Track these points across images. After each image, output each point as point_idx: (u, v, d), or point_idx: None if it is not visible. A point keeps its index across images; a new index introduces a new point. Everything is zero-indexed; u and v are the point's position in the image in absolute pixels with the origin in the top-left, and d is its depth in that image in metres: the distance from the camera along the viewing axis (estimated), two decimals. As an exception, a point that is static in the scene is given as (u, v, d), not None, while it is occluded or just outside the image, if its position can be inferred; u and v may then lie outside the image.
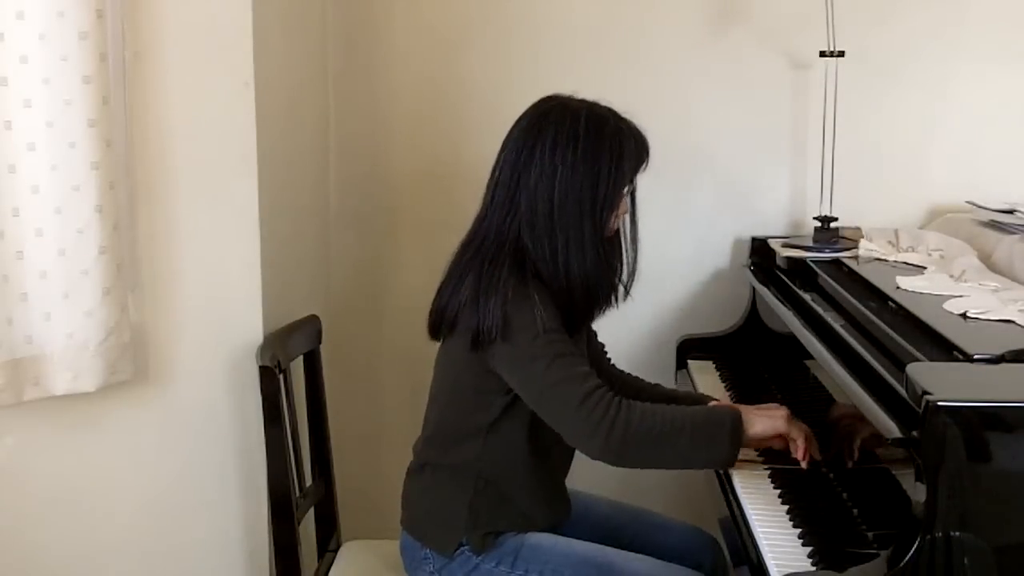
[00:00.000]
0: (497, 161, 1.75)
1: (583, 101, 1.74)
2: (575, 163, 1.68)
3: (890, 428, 1.37)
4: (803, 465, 1.68)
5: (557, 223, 1.68)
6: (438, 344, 1.83)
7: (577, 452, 1.74)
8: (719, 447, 1.64)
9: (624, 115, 1.74)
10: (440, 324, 1.75)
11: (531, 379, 1.64)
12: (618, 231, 1.77)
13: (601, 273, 1.73)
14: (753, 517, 1.60)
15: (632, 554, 1.78)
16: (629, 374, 2.01)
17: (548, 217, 1.68)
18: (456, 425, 1.78)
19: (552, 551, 1.75)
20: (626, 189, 1.74)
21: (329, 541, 2.17)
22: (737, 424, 1.65)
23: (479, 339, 1.65)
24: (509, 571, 1.74)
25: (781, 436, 1.69)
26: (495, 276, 1.66)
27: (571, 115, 1.71)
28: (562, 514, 1.84)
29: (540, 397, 1.65)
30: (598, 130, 1.70)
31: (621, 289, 1.80)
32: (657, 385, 2.00)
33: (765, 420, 1.68)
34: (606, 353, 2.00)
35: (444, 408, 1.81)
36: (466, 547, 1.75)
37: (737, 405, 1.77)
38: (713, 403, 1.84)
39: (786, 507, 1.62)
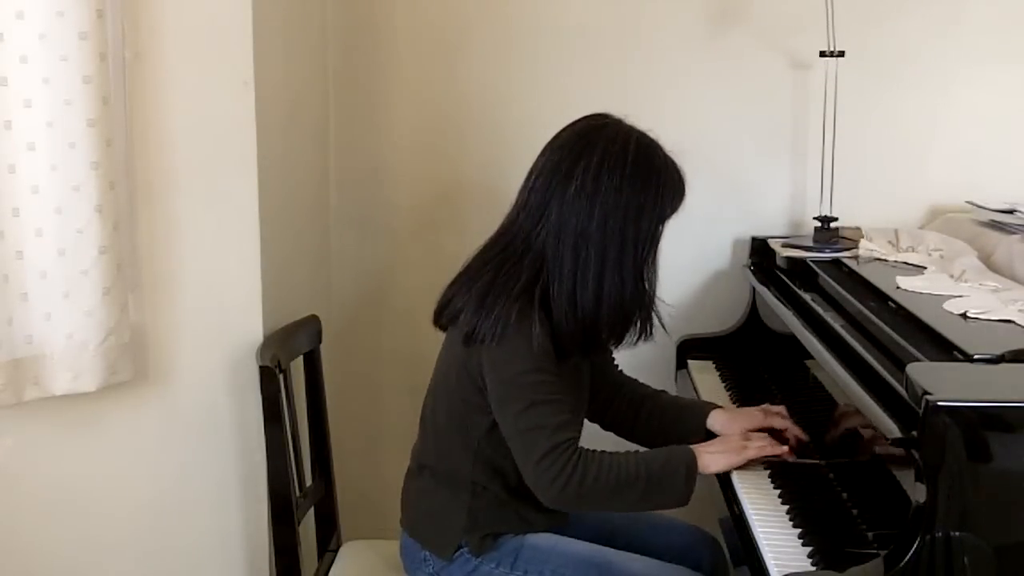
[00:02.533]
0: (535, 165, 1.71)
1: (633, 127, 1.70)
2: (620, 187, 1.63)
3: (890, 428, 1.37)
4: (788, 458, 1.72)
5: (592, 243, 1.64)
6: (438, 344, 1.82)
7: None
8: (671, 495, 1.66)
9: (669, 151, 1.70)
10: (443, 312, 1.75)
11: (504, 415, 1.65)
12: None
13: (638, 303, 1.70)
14: (753, 517, 1.60)
15: (631, 554, 1.78)
16: (635, 380, 1.99)
17: (580, 235, 1.64)
18: (448, 433, 1.77)
19: (552, 552, 1.75)
20: (663, 225, 1.70)
21: (329, 541, 2.17)
22: (692, 469, 1.66)
23: (472, 337, 1.65)
24: (509, 572, 1.74)
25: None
26: (509, 283, 1.65)
27: (622, 138, 1.66)
28: (558, 519, 1.83)
29: (508, 434, 1.66)
30: (648, 159, 1.67)
31: (655, 320, 1.75)
32: (662, 392, 1.98)
33: (719, 459, 1.70)
34: (613, 359, 1.99)
35: (437, 414, 1.80)
36: (465, 549, 1.75)
37: (699, 443, 1.76)
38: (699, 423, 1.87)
39: (786, 507, 1.62)
